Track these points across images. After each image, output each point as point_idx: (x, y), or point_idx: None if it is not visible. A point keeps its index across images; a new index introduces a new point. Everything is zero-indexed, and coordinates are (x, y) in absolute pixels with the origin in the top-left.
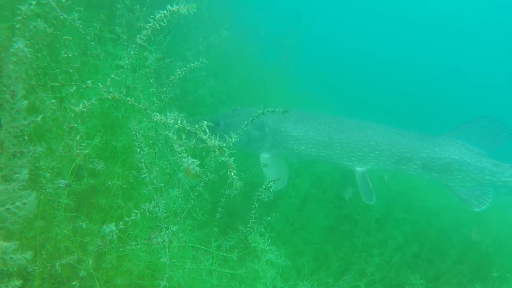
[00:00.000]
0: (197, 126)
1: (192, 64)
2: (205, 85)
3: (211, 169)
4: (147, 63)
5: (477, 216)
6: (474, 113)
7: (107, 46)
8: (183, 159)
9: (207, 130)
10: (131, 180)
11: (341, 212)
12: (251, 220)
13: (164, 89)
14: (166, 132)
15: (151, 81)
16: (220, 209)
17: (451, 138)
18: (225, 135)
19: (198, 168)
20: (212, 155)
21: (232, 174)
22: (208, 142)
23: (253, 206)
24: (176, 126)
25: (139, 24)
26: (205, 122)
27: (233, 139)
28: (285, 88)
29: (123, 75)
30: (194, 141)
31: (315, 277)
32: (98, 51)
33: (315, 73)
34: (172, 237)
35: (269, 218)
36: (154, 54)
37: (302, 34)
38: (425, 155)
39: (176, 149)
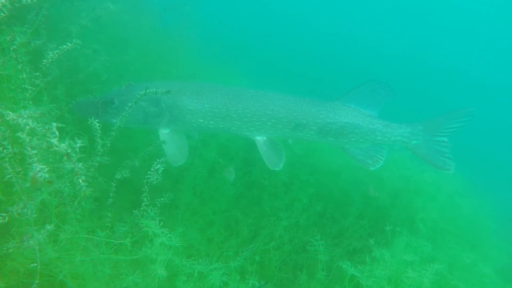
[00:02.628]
0: (46, 128)
1: (65, 46)
2: (97, 60)
3: (99, 153)
4: (12, 48)
5: (373, 174)
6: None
7: None
8: (33, 165)
9: (57, 133)
10: None
11: (249, 178)
12: (143, 204)
13: (37, 73)
14: (18, 134)
15: (19, 66)
16: (111, 194)
17: (343, 102)
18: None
19: (46, 176)
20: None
21: (80, 181)
22: (55, 146)
23: (143, 190)
24: (28, 127)
25: None
26: (54, 124)
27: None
28: (191, 58)
29: None
30: (45, 143)
31: (226, 245)
32: None
33: (225, 40)
34: (56, 232)
35: (162, 199)
36: (18, 39)
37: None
38: (320, 121)
39: (27, 152)
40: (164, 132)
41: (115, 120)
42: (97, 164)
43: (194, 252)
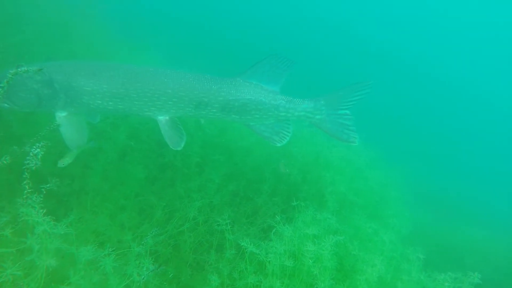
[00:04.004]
0: None
1: None
2: None
3: None
4: None
5: (284, 151)
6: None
7: None
8: None
9: None
10: None
11: (163, 160)
12: (25, 191)
13: None
14: None
15: None
16: None
17: (245, 79)
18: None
19: None
20: None
21: None
22: None
23: (24, 176)
24: None
25: None
26: None
27: None
28: (101, 38)
29: None
30: None
31: (140, 229)
32: None
33: (137, 17)
34: None
35: (48, 186)
36: None
37: None
38: (221, 98)
39: None
40: (60, 115)
41: (6, 105)
42: None
43: (105, 239)
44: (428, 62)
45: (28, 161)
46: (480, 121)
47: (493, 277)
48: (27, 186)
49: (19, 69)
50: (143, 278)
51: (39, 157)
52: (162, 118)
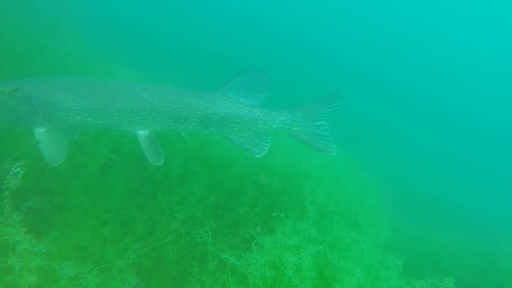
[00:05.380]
0: None
1: None
2: None
3: None
4: None
5: (265, 162)
6: None
7: None
8: None
9: None
10: None
11: (145, 173)
12: (5, 210)
13: None
14: None
15: None
16: None
17: (223, 93)
18: None
19: None
20: None
21: None
22: None
23: (4, 195)
24: None
25: None
26: None
27: None
28: (78, 52)
29: None
30: None
31: (122, 243)
32: None
33: (114, 31)
34: None
35: (28, 204)
36: None
37: None
38: (200, 112)
39: None
40: (39, 132)
41: None
42: None
43: (88, 254)
44: (403, 70)
45: (7, 180)
46: (458, 126)
47: (469, 279)
48: (7, 205)
49: None
50: None
51: (19, 176)
52: (142, 133)
